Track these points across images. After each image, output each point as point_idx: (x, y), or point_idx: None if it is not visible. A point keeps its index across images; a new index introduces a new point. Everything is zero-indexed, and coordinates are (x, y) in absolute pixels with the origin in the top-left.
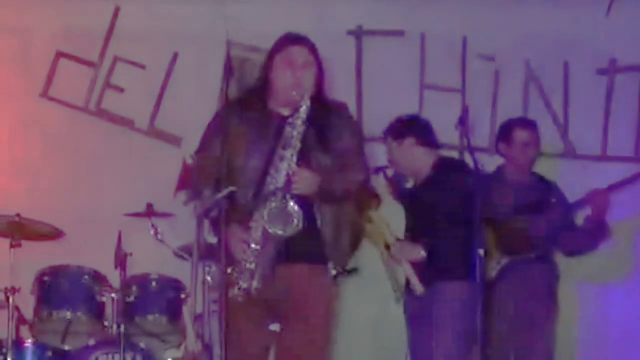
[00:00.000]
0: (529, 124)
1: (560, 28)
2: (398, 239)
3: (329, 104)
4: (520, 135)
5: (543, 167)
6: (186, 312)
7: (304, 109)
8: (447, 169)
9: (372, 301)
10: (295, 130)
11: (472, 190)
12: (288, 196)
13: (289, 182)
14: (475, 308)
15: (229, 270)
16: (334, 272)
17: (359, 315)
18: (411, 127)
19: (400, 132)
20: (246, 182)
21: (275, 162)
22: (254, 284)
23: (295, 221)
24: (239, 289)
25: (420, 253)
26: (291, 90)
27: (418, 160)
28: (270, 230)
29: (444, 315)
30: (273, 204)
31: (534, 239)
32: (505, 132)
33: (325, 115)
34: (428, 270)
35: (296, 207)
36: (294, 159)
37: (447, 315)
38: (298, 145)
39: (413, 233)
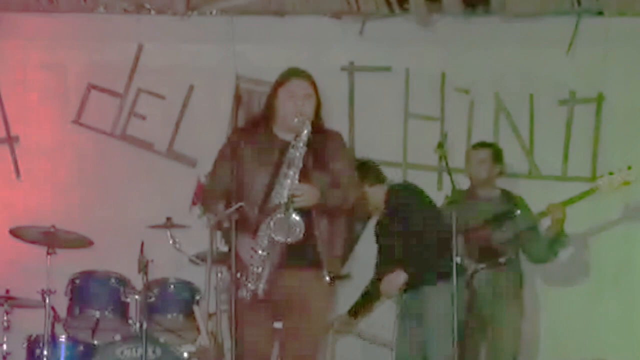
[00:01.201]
0: (483, 145)
1: (526, 65)
2: (379, 278)
3: (326, 131)
4: (475, 154)
5: (511, 186)
6: (197, 311)
7: (305, 133)
8: (397, 197)
9: None
10: (298, 152)
11: (426, 206)
12: (291, 208)
13: (291, 196)
14: (458, 306)
15: (238, 275)
16: (327, 277)
17: None
18: (361, 173)
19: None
20: (254, 197)
21: (280, 180)
22: (261, 286)
23: (298, 230)
24: (248, 290)
25: (403, 277)
26: (293, 117)
27: (373, 199)
28: (275, 238)
29: (436, 313)
30: (278, 215)
31: (501, 247)
32: (466, 155)
33: (323, 140)
34: (414, 279)
35: (298, 218)
36: (297, 176)
37: (438, 313)
38: (300, 165)
39: (390, 259)
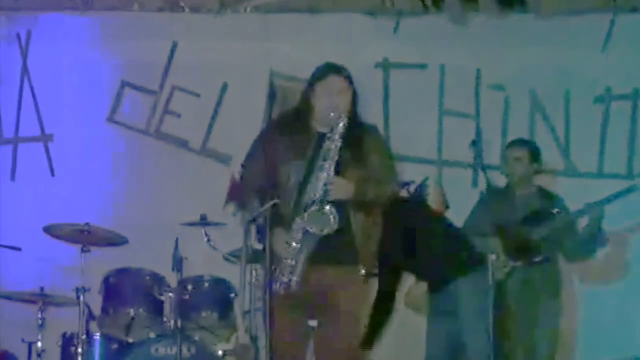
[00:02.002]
0: (518, 143)
1: (561, 62)
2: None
3: (362, 125)
4: (512, 152)
5: (547, 183)
6: (237, 308)
7: (341, 126)
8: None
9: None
10: (334, 144)
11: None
12: (326, 201)
13: (327, 188)
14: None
15: (273, 269)
16: (363, 272)
17: None
18: None
19: None
20: (289, 190)
21: (315, 172)
22: (294, 278)
23: (332, 221)
24: (281, 283)
25: (422, 285)
26: (329, 111)
27: None
28: (310, 230)
29: (470, 305)
30: (313, 207)
31: (538, 245)
32: (502, 152)
33: (359, 133)
34: (436, 281)
35: (333, 210)
36: (332, 169)
37: (472, 305)
38: (336, 157)
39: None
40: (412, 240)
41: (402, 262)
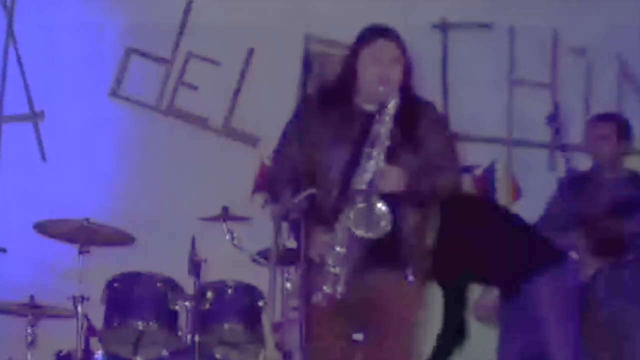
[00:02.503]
0: (604, 118)
1: None
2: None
3: (417, 101)
4: (595, 129)
5: (638, 165)
6: (266, 320)
7: (392, 105)
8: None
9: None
10: (384, 128)
11: None
12: (375, 196)
13: (375, 180)
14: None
15: (312, 276)
16: (411, 277)
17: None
18: None
19: None
20: (330, 182)
21: (362, 161)
22: (339, 289)
23: (383, 223)
24: (323, 295)
25: (494, 293)
26: (378, 85)
27: None
28: (356, 232)
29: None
30: (360, 205)
31: (629, 241)
32: (585, 129)
33: (414, 113)
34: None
35: (384, 208)
36: (382, 157)
37: (553, 314)
38: (386, 143)
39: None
40: (477, 243)
41: (466, 275)
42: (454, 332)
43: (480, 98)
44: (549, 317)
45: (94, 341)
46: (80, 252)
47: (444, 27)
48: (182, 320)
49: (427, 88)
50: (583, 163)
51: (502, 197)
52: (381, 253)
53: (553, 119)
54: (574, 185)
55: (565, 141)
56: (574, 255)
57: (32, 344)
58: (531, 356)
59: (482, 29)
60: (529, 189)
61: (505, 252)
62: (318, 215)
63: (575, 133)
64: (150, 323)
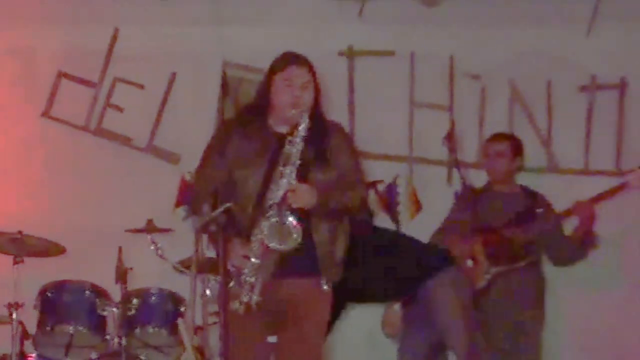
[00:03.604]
0: (500, 137)
1: (542, 47)
2: None
3: (326, 123)
4: (493, 147)
5: (528, 181)
6: (182, 325)
7: (303, 127)
8: None
9: (366, 312)
10: (295, 148)
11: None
12: (287, 211)
13: (287, 196)
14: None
15: (230, 284)
16: (326, 287)
17: (352, 326)
18: None
19: None
20: (246, 198)
21: (275, 179)
22: (254, 297)
23: (295, 236)
24: (240, 302)
25: (397, 308)
26: (290, 108)
27: None
28: (269, 245)
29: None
30: (273, 219)
31: (521, 249)
32: (483, 147)
33: (323, 134)
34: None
35: (295, 222)
36: (293, 175)
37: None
38: (297, 162)
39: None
40: (367, 267)
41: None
42: None
43: (384, 119)
44: (444, 310)
45: (28, 345)
46: (15, 263)
47: (350, 54)
48: (110, 325)
49: (335, 110)
50: (477, 179)
51: (404, 210)
52: (295, 263)
53: (449, 138)
54: (470, 198)
55: (460, 158)
56: (469, 263)
57: None
58: (433, 343)
59: (385, 56)
60: (429, 203)
61: (394, 269)
62: (235, 228)
63: (470, 151)
64: (80, 328)
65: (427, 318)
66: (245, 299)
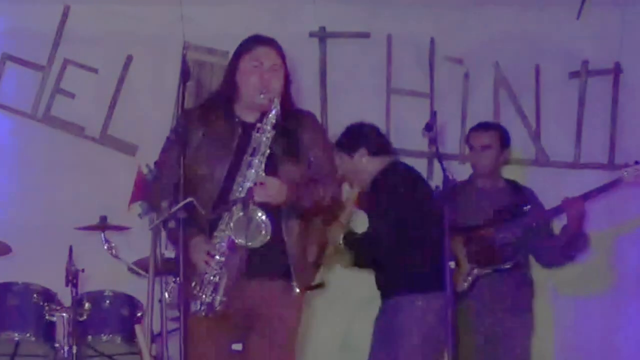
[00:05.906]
0: (487, 127)
1: (530, 29)
2: None
3: (297, 112)
4: (478, 138)
5: (514, 174)
6: (139, 331)
7: (273, 114)
8: (391, 173)
9: (338, 316)
10: (264, 136)
11: (422, 197)
12: (255, 206)
13: (255, 190)
14: (444, 321)
15: (191, 285)
16: (297, 289)
17: (325, 331)
18: (361, 137)
19: (351, 144)
20: (210, 191)
21: (242, 170)
22: (218, 298)
23: (264, 232)
24: (202, 304)
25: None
26: (259, 93)
27: (368, 171)
28: (236, 241)
29: (405, 327)
30: (240, 213)
31: (506, 249)
32: (467, 138)
33: (295, 124)
34: (390, 283)
35: (264, 217)
36: (263, 166)
37: (407, 328)
38: (267, 152)
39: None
40: None
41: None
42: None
43: (359, 106)
44: (401, 331)
45: None
46: None
47: (322, 36)
48: (60, 332)
49: (306, 96)
50: (460, 172)
51: None
52: (263, 263)
53: (430, 128)
54: (452, 194)
55: (442, 150)
56: (452, 265)
57: None
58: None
59: (360, 38)
60: None
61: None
62: (197, 225)
63: (452, 142)
64: (27, 334)
65: (390, 334)
66: (207, 300)
